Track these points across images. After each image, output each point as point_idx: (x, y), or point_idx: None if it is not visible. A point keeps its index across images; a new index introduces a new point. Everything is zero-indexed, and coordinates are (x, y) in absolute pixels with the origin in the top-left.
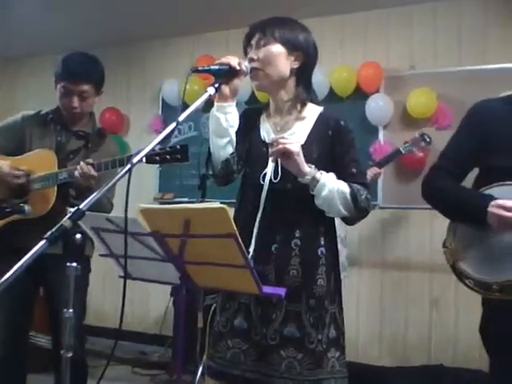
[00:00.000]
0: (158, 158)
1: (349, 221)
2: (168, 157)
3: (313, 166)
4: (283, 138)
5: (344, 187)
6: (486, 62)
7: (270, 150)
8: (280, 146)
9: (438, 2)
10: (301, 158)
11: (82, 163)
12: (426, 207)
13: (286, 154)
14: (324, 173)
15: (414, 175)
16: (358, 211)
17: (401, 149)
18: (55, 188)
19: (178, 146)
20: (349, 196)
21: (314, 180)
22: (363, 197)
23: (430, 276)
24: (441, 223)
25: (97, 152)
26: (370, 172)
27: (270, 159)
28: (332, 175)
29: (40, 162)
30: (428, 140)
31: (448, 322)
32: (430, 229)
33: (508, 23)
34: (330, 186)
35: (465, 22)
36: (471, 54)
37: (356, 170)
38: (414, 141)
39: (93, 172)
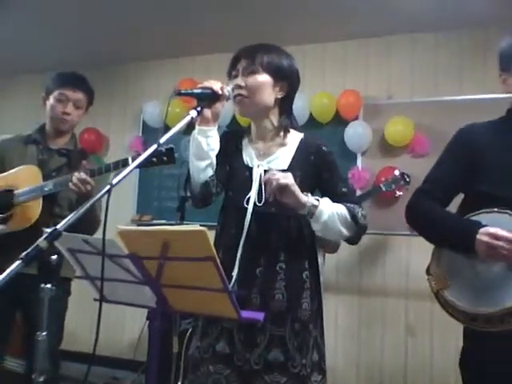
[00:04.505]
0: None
1: (351, 240)
2: (154, 159)
3: (309, 194)
4: (273, 173)
5: (342, 209)
6: (462, 92)
7: (265, 190)
8: (274, 183)
9: (415, 33)
10: (296, 188)
11: (75, 173)
12: (404, 233)
13: (282, 189)
14: (320, 199)
15: (391, 202)
16: (359, 229)
17: (381, 185)
18: (40, 200)
19: (164, 149)
20: (349, 216)
21: (313, 207)
22: (360, 214)
23: (406, 303)
24: (417, 250)
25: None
26: None
27: (256, 185)
28: (327, 200)
29: (24, 177)
30: (408, 180)
31: (423, 349)
32: (406, 255)
33: (482, 55)
34: (329, 210)
35: (441, 54)
36: (447, 84)
37: (346, 189)
38: (394, 179)
39: (88, 178)
